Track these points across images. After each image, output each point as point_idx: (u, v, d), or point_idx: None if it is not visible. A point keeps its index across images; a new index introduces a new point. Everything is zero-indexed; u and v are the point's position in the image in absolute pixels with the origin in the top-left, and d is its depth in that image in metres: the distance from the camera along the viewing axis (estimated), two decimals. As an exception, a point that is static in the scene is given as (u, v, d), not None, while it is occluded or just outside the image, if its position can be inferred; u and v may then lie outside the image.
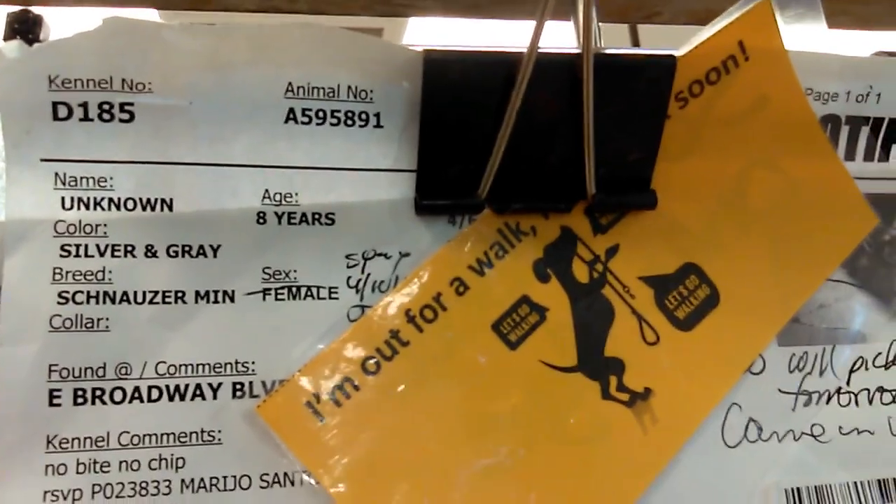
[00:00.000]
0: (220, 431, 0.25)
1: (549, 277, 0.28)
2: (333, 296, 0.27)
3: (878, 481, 0.29)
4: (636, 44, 0.62)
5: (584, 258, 0.29)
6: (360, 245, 0.27)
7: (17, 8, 0.30)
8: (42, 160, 0.24)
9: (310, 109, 0.26)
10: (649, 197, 0.29)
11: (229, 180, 0.26)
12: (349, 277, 0.27)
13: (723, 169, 0.30)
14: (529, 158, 0.27)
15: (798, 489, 0.29)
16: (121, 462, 0.24)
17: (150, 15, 0.29)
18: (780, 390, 0.30)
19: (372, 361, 0.26)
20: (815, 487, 0.29)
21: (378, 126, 0.26)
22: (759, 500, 0.28)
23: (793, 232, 0.30)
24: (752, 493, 0.28)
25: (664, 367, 0.28)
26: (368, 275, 0.27)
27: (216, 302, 0.26)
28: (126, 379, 0.25)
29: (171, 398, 0.25)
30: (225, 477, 0.25)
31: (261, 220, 0.26)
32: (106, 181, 0.25)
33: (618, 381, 0.28)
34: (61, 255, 0.25)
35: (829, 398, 0.30)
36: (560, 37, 0.29)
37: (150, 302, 0.25)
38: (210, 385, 0.25)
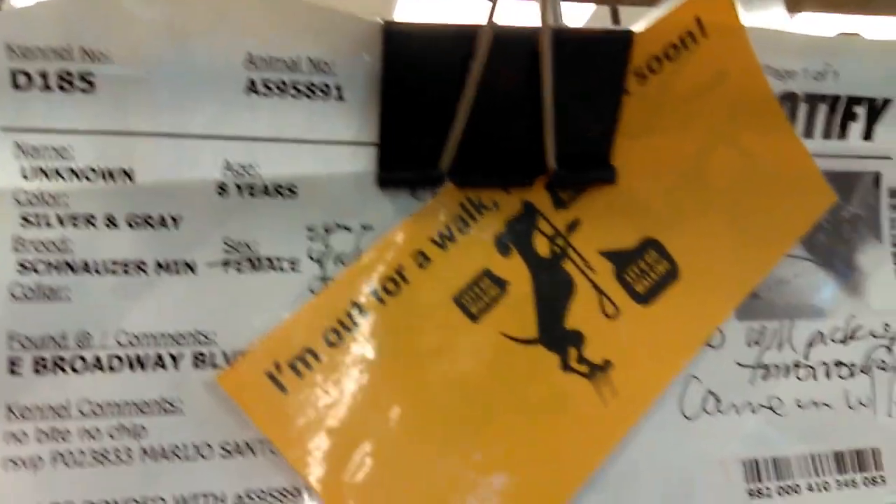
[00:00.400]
0: (181, 401, 0.25)
1: (510, 251, 0.29)
2: (295, 268, 0.27)
3: (835, 453, 0.30)
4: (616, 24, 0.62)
5: (545, 233, 0.29)
6: (322, 218, 0.27)
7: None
8: (2, 129, 0.24)
9: (270, 80, 0.26)
10: (609, 172, 0.29)
11: (190, 151, 0.26)
12: (311, 250, 0.27)
13: (682, 145, 0.30)
14: (490, 133, 0.27)
15: (756, 461, 0.29)
16: (81, 430, 0.25)
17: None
18: (738, 364, 0.30)
19: (334, 333, 0.27)
20: (773, 459, 0.29)
21: (340, 98, 0.27)
22: (718, 471, 0.29)
23: (752, 208, 0.31)
24: (711, 464, 0.29)
25: (623, 340, 0.29)
26: (330, 247, 0.27)
27: (177, 273, 0.26)
28: (87, 348, 0.25)
29: (131, 368, 0.25)
30: (186, 446, 0.25)
31: (222, 192, 0.26)
32: (66, 151, 0.25)
33: (578, 353, 0.28)
34: (21, 225, 0.25)
35: (788, 372, 0.30)
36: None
37: (111, 272, 0.25)
38: (171, 355, 0.25)
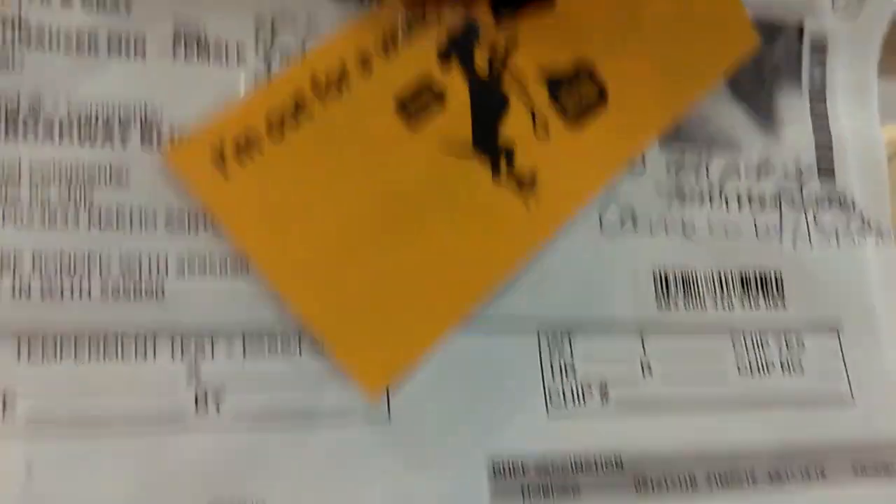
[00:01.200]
0: (127, 171, 0.27)
1: (450, 64, 0.30)
2: (242, 60, 0.28)
3: (741, 273, 0.32)
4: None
5: (485, 50, 0.31)
6: (270, 15, 0.29)
7: None
8: None
9: None
10: (548, -6, 0.31)
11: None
12: (258, 45, 0.28)
13: (619, -24, 0.32)
14: (434, -58, 0.29)
15: (666, 273, 0.31)
16: (31, 189, 0.26)
17: None
18: (656, 188, 0.32)
19: (276, 125, 0.28)
20: (682, 273, 0.32)
21: None
22: (629, 280, 0.31)
23: (681, 44, 0.32)
24: (623, 273, 0.31)
25: (551, 158, 0.31)
26: (276, 44, 0.29)
27: (127, 53, 0.27)
28: (39, 115, 0.26)
29: (80, 137, 0.27)
30: (132, 211, 0.27)
31: (174, -20, 0.28)
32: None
33: (508, 165, 0.30)
34: (-23, -8, 0.26)
35: (702, 199, 0.33)
36: None
37: (65, 46, 0.27)
38: (120, 128, 0.27)
